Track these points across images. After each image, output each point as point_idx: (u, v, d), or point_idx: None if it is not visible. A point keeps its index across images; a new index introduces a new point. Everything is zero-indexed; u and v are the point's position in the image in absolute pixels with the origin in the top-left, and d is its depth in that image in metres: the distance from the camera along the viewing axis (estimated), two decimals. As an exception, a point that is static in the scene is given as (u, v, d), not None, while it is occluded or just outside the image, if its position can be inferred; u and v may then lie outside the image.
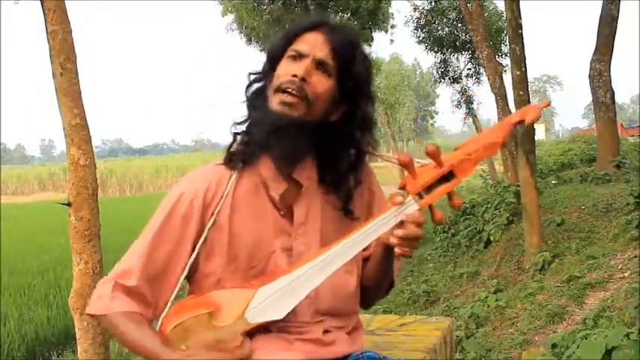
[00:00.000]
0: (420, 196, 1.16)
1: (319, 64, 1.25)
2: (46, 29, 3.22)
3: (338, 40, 1.27)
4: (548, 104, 1.34)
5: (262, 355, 1.22)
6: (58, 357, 8.34)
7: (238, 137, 1.30)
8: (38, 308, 9.06)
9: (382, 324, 2.33)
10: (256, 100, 1.29)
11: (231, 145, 1.31)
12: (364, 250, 1.30)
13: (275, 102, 1.23)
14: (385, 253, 1.30)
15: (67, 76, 3.21)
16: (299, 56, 1.26)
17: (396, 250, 1.17)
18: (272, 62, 1.30)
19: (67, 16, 3.26)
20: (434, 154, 1.14)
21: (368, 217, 1.35)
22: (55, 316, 8.87)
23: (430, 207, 1.17)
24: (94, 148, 3.36)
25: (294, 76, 1.22)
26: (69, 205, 3.22)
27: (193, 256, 1.27)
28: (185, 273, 1.27)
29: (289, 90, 1.22)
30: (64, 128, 3.25)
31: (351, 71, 1.28)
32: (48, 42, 3.22)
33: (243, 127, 1.30)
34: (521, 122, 1.19)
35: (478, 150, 1.17)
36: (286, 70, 1.25)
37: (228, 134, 1.33)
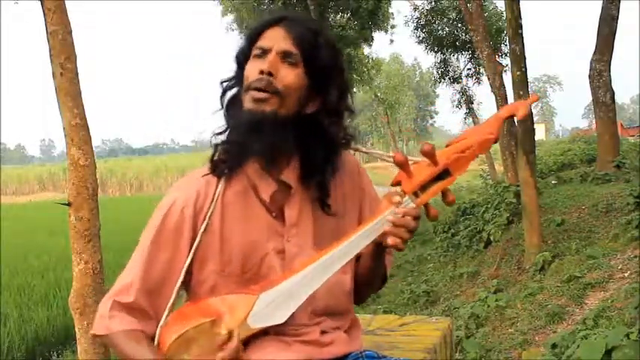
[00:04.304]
0: (415, 194, 1.18)
1: (284, 56, 1.25)
2: (46, 29, 3.22)
3: (299, 29, 1.26)
4: (537, 99, 1.37)
5: (259, 356, 1.21)
6: (58, 357, 8.33)
7: (219, 148, 1.30)
8: (38, 308, 9.05)
9: (382, 324, 2.33)
10: (232, 107, 1.29)
11: (213, 156, 1.30)
12: None
13: (247, 101, 1.24)
14: (376, 251, 1.30)
15: (67, 76, 3.21)
16: (263, 52, 1.26)
17: (389, 240, 1.17)
18: (240, 65, 1.30)
19: (67, 16, 3.25)
20: (429, 153, 1.15)
21: (360, 215, 1.37)
22: (55, 316, 8.85)
23: (425, 205, 1.19)
24: (94, 148, 3.35)
25: (261, 72, 1.23)
26: (69, 205, 3.22)
27: (187, 262, 1.26)
28: (180, 280, 1.27)
29: (258, 87, 1.22)
30: (64, 128, 3.25)
31: (317, 57, 1.26)
32: (48, 42, 3.22)
33: (223, 137, 1.29)
34: (510, 117, 1.22)
35: (472, 147, 1.18)
36: (253, 68, 1.25)
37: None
